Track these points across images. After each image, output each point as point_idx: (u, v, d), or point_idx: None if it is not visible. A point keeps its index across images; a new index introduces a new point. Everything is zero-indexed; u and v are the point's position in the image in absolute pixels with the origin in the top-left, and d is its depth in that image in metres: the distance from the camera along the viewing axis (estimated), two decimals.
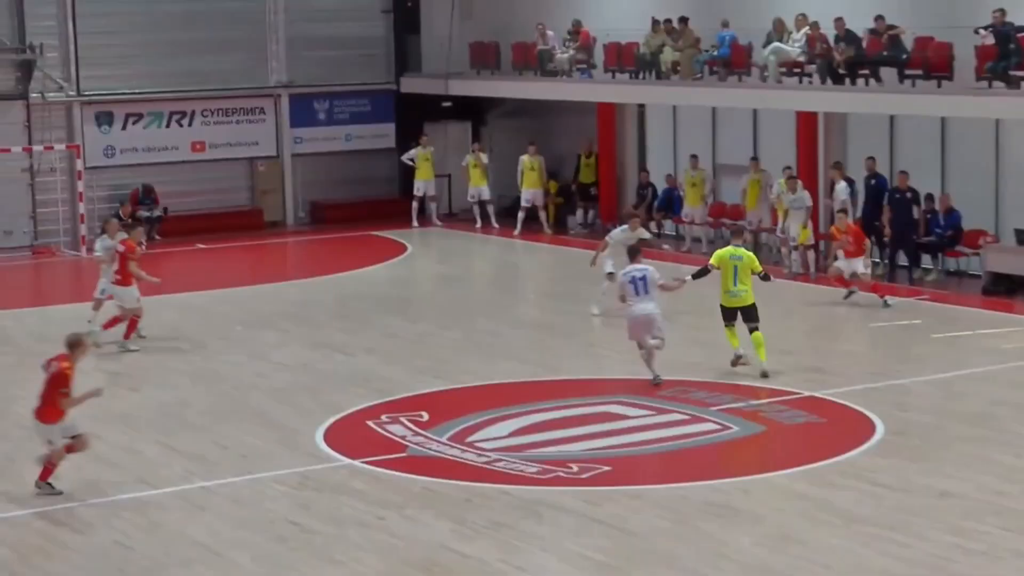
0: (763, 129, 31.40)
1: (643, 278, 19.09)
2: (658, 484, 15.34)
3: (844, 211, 26.10)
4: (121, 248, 21.94)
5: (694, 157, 31.52)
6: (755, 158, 30.49)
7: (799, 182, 27.56)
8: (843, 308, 24.41)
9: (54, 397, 15.05)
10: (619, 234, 23.59)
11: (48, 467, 15.18)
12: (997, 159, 27.54)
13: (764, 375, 19.40)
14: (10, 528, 14.26)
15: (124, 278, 21.85)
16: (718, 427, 17.33)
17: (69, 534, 14.01)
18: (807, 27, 28.29)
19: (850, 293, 24.68)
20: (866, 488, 15.05)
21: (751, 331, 19.61)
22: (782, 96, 28.50)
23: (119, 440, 17.21)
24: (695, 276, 20.08)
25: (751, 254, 19.98)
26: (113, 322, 22.00)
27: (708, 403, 18.30)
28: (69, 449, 15.19)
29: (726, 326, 19.79)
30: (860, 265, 24.39)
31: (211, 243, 32.96)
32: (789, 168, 28.29)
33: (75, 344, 15.37)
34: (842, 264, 24.54)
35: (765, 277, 20.32)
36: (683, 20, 30.83)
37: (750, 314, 19.64)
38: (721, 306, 19.78)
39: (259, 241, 33.91)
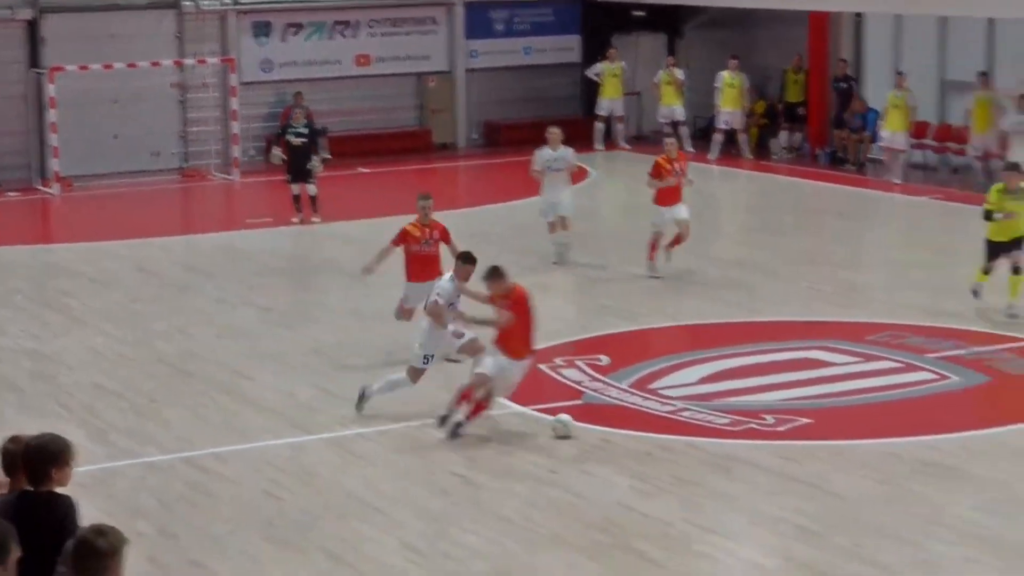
0: (1001, 41, 30.63)
1: None
2: (865, 440, 15.18)
3: None
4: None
5: (900, 75, 30.88)
6: (984, 73, 29.82)
7: None
8: None
9: None
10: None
11: None
12: None
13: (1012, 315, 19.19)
14: (154, 474, 14.63)
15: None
16: (935, 377, 17.09)
17: (216, 482, 14.34)
18: None
19: None
20: None
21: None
22: None
23: (270, 382, 17.54)
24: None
25: None
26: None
27: (925, 350, 18.04)
28: None
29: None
30: None
31: (374, 167, 33.27)
32: None
33: None
34: None
35: None
36: None
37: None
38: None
39: (427, 165, 34.14)
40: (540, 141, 23.82)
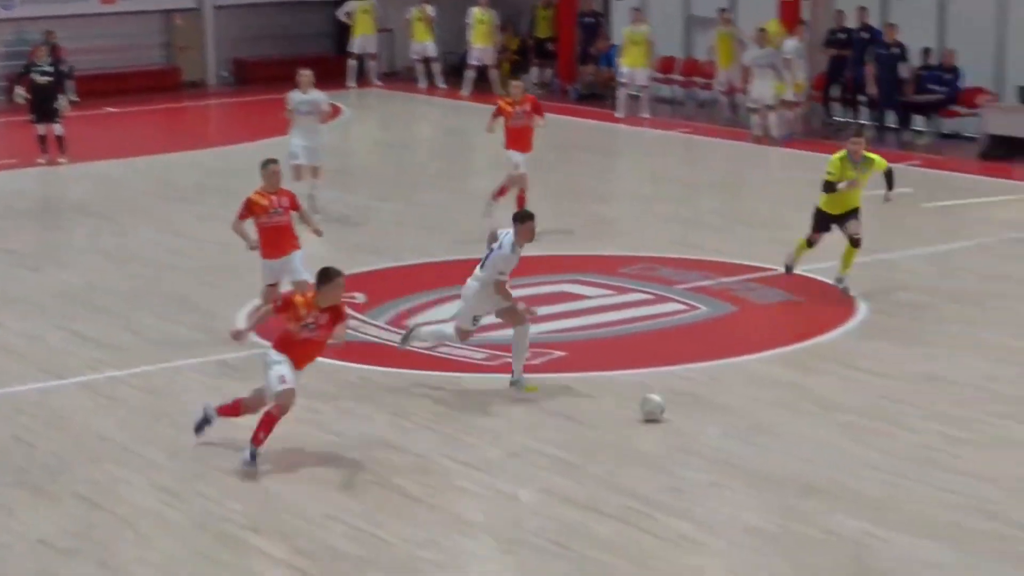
0: None
1: None
2: (618, 371, 15.40)
3: None
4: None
5: (636, 10, 31.25)
6: (724, 10, 30.34)
7: (767, 35, 27.63)
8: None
9: None
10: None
11: None
12: (1003, 11, 27.54)
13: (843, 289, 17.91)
14: None
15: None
16: (684, 307, 17.41)
17: None
18: None
19: None
20: (847, 373, 15.16)
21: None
22: None
23: (18, 326, 17.15)
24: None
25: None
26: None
27: (673, 281, 18.35)
28: None
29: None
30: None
31: (121, 106, 32.66)
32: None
33: None
34: None
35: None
36: None
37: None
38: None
39: (176, 104, 33.66)
40: (291, 78, 23.47)
